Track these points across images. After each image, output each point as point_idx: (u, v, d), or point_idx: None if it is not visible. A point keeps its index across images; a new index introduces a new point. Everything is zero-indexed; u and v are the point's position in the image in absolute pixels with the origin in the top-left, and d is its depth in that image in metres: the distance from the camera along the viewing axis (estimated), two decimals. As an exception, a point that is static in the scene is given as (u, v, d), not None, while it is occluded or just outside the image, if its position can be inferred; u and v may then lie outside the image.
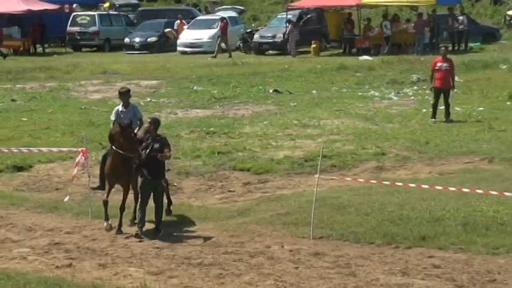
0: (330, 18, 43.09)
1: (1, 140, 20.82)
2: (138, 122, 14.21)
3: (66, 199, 15.49)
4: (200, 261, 12.21)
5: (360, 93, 28.49)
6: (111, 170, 13.56)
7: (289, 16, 41.32)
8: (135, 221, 13.88)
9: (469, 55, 37.07)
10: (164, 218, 14.20)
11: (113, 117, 14.36)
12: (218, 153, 19.28)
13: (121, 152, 13.27)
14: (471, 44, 40.23)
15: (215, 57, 40.00)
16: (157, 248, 13.14)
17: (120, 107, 14.45)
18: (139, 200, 13.58)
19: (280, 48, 40.75)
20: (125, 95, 14.42)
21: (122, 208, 13.48)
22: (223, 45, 41.28)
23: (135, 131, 13.74)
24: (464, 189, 13.89)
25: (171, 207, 14.55)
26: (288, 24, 40.05)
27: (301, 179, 16.80)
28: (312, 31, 41.19)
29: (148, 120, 13.98)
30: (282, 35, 40.44)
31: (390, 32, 39.67)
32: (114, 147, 13.41)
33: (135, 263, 12.41)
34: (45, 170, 18.51)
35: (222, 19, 43.27)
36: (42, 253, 13.04)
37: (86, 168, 15.40)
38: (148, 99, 28.05)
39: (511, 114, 23.33)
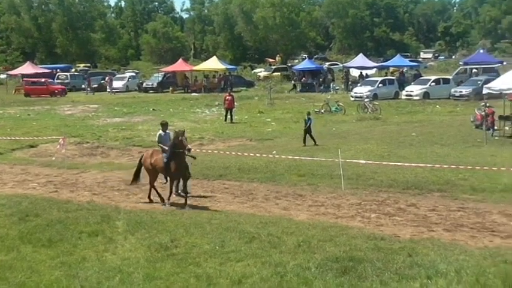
0: (178, 75, 66.38)
1: (22, 133, 31.09)
2: (169, 140, 16.52)
3: (53, 159, 23.82)
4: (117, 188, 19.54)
5: (192, 111, 42.46)
6: (179, 169, 15.93)
7: (161, 74, 66.43)
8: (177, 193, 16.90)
9: (240, 93, 54.79)
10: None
11: (156, 138, 16.96)
12: (127, 138, 29.62)
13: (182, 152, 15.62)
14: (241, 88, 61.30)
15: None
16: (99, 182, 19.97)
17: (161, 132, 16.93)
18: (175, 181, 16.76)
19: (156, 90, 62.68)
20: (166, 125, 17.07)
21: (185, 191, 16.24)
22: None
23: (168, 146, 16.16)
24: (239, 153, 22.80)
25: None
26: (159, 78, 64.82)
27: None
28: (170, 82, 64.77)
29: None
30: (156, 83, 63.97)
31: (206, 83, 62.19)
32: (176, 151, 15.70)
33: (88, 190, 18.64)
34: (44, 147, 27.47)
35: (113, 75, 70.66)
36: (43, 186, 19.39)
37: (63, 146, 23.66)
38: (93, 113, 41.61)
39: (260, 119, 36.06)
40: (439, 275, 9.89)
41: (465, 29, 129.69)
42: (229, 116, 36.31)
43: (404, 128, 31.72)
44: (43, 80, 62.98)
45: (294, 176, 19.75)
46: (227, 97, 37.06)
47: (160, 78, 66.04)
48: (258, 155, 22.37)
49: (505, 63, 64.25)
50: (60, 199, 17.20)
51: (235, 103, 38.44)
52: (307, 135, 26.49)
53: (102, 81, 66.95)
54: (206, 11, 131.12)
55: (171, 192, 16.47)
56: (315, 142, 26.24)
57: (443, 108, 41.38)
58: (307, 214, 15.11)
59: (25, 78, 64.74)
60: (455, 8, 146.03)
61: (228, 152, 23.53)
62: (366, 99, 42.79)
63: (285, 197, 17.26)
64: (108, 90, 64.31)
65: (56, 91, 60.97)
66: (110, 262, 11.36)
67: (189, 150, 16.04)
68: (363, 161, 20.17)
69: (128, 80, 68.62)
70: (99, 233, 13.28)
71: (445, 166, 19.31)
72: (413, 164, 19.72)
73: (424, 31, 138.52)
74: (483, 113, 28.73)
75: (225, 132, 30.94)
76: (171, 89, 63.04)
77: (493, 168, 18.79)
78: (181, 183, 16.75)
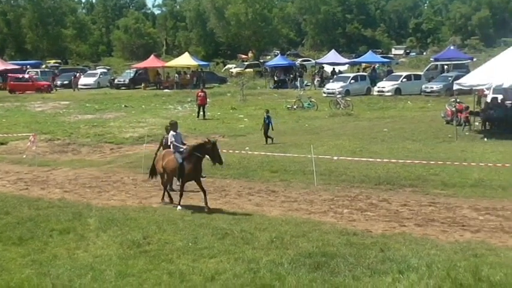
0: (150, 71, 65.92)
1: (-9, 132, 30.22)
2: (181, 140, 16.13)
3: (24, 156, 23.53)
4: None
5: (164, 107, 42.38)
6: (194, 172, 15.24)
7: (133, 70, 66.33)
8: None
9: (213, 89, 54.75)
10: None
11: (172, 139, 15.71)
12: (98, 135, 29.42)
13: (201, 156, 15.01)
14: (213, 84, 61.43)
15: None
16: (70, 179, 19.82)
17: (173, 133, 15.88)
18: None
19: (127, 86, 62.41)
20: (176, 125, 16.17)
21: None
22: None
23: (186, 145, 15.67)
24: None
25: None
26: (131, 75, 64.67)
27: (137, 147, 25.54)
28: (142, 78, 64.29)
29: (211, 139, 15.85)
30: (128, 80, 63.70)
31: (178, 79, 61.69)
32: (197, 154, 15.05)
33: (59, 187, 18.62)
34: (14, 144, 27.27)
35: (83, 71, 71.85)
36: (13, 183, 19.27)
37: (34, 143, 23.36)
38: (64, 110, 41.03)
39: (232, 116, 36.07)
40: (410, 269, 9.98)
41: (436, 25, 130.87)
42: (201, 113, 36.21)
43: (376, 123, 31.93)
44: (27, 76, 62.33)
45: (266, 172, 19.80)
46: (199, 93, 36.97)
47: (132, 75, 65.76)
48: (230, 151, 22.23)
49: (475, 59, 65.11)
50: (31, 197, 17.11)
51: (208, 99, 38.37)
52: (266, 132, 26.14)
53: (73, 77, 66.15)
54: (178, 7, 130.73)
55: (181, 196, 15.70)
56: (266, 141, 25.82)
57: (415, 104, 41.71)
58: (280, 210, 15.14)
59: (10, 74, 62.81)
60: (426, 4, 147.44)
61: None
62: (338, 95, 42.93)
63: (258, 193, 17.30)
64: (79, 86, 64.08)
65: (42, 87, 59.75)
66: (82, 260, 11.27)
67: (220, 162, 15.30)
68: (336, 157, 20.30)
69: (99, 77, 67.99)
70: (70, 230, 13.16)
71: (416, 161, 19.50)
72: (385, 160, 19.88)
73: (396, 27, 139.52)
74: (454, 109, 29.03)
75: (198, 129, 30.87)
76: (143, 85, 62.53)
77: (464, 164, 19.05)
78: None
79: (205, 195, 15.16)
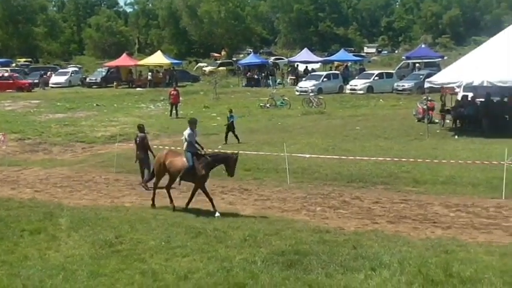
0: (122, 70, 65.05)
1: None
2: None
3: None
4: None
5: (136, 106, 42.23)
6: (206, 177, 14.92)
7: (104, 69, 66.29)
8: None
9: (185, 88, 54.92)
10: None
11: (189, 137, 14.81)
12: (70, 134, 29.23)
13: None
14: (186, 83, 61.58)
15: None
16: (42, 178, 19.75)
17: (189, 131, 14.93)
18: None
19: (99, 85, 61.95)
20: (195, 122, 15.24)
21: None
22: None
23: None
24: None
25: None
26: (103, 73, 64.25)
27: (109, 146, 25.35)
28: (114, 77, 63.52)
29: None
30: (100, 78, 62.98)
31: (151, 77, 61.11)
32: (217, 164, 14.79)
33: (30, 187, 18.50)
34: None
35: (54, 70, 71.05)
36: None
37: (4, 142, 23.41)
38: (35, 109, 40.54)
39: (205, 114, 35.70)
40: (382, 266, 10.05)
41: (407, 24, 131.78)
42: (174, 111, 36.09)
43: (349, 121, 32.12)
44: (7, 74, 61.46)
45: (239, 170, 19.63)
46: (172, 92, 36.85)
47: (104, 73, 65.28)
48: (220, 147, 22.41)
49: (445, 57, 65.75)
50: (1, 197, 16.98)
51: (181, 98, 38.24)
52: (230, 132, 25.98)
53: (44, 76, 65.66)
54: (150, 5, 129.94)
55: (191, 199, 15.07)
56: (238, 140, 25.74)
57: (387, 102, 42.02)
58: (253, 208, 15.16)
59: None
60: (397, 3, 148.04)
61: (173, 148, 23.22)
62: (311, 94, 43.11)
63: (231, 192, 17.35)
64: (51, 84, 63.51)
65: (23, 86, 58.75)
66: (53, 260, 11.14)
67: (233, 175, 15.17)
68: (308, 155, 20.38)
69: (70, 75, 67.17)
70: (41, 230, 13.02)
71: (388, 159, 19.68)
72: (357, 158, 20.03)
73: (368, 26, 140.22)
74: (425, 107, 29.28)
75: (171, 128, 30.72)
76: (115, 84, 62.03)
77: (435, 161, 19.23)
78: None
79: (190, 200, 15.03)
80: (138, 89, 58.65)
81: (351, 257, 10.62)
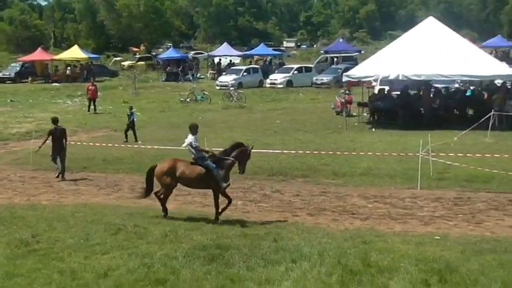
0: (38, 65, 63.62)
1: None
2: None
3: None
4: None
5: (53, 101, 41.49)
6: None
7: (19, 64, 63.31)
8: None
9: (104, 83, 53.76)
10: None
11: (194, 143, 13.71)
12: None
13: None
14: (104, 78, 59.02)
15: None
16: (22, 181, 18.92)
17: (192, 137, 13.79)
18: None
19: (13, 80, 60.18)
20: (196, 127, 14.14)
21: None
22: None
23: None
24: (103, 144, 22.56)
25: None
26: (17, 68, 62.39)
27: (24, 142, 24.63)
28: (29, 71, 61.80)
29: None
30: (14, 73, 61.14)
31: (70, 72, 60.52)
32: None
33: (11, 190, 17.40)
34: None
35: None
36: None
37: None
38: None
39: (124, 109, 31.36)
40: (303, 258, 10.19)
41: (325, 18, 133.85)
42: (92, 107, 35.45)
43: (269, 115, 32.37)
44: None
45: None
46: (90, 87, 36.15)
47: (18, 68, 63.26)
48: (123, 145, 22.19)
49: (363, 51, 67.18)
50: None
51: (99, 93, 37.62)
52: (131, 130, 25.34)
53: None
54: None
55: (218, 208, 13.44)
56: (136, 138, 24.98)
57: (306, 95, 42.59)
58: (174, 203, 15.05)
59: None
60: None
61: (91, 144, 22.97)
62: (231, 88, 43.19)
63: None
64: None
65: None
66: (-34, 262, 10.76)
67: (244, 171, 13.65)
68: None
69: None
70: (-48, 231, 12.54)
71: (308, 152, 19.98)
72: (277, 151, 20.23)
73: (287, 20, 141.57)
74: (343, 100, 29.82)
75: (89, 123, 30.25)
76: (30, 79, 60.21)
77: (353, 153, 19.65)
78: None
79: (218, 208, 13.49)
80: (54, 84, 57.27)
81: (272, 250, 10.72)
